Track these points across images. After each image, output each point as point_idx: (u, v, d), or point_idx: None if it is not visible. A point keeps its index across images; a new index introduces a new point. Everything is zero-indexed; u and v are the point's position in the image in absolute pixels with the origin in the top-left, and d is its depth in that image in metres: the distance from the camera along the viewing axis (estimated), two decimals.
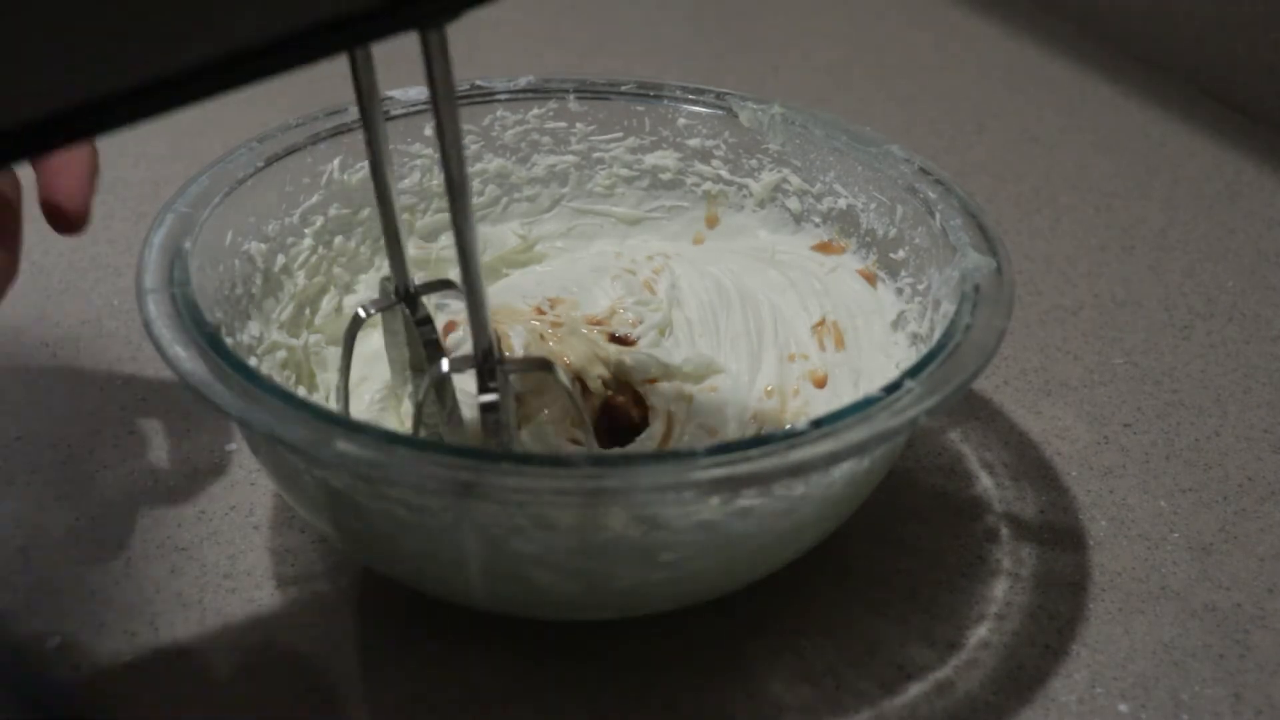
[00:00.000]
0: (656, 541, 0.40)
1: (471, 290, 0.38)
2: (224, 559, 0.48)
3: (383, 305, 0.45)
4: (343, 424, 0.38)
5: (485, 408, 0.40)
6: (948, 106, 0.82)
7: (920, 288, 0.50)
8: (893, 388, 0.40)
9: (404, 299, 0.44)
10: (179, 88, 0.30)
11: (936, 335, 0.44)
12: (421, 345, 0.44)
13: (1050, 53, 0.88)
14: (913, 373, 0.40)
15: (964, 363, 0.41)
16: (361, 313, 0.45)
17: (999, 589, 0.47)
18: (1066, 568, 0.48)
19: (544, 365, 0.43)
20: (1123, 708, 0.43)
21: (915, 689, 0.44)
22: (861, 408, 0.39)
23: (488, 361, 0.40)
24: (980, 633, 0.46)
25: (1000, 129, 0.79)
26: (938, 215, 0.49)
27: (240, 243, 0.49)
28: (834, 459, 0.38)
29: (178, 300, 0.42)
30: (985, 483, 0.52)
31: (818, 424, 0.38)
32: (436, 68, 0.35)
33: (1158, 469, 0.53)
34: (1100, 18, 0.89)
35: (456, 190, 0.37)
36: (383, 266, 0.55)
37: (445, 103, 0.36)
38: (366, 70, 0.38)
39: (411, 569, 0.44)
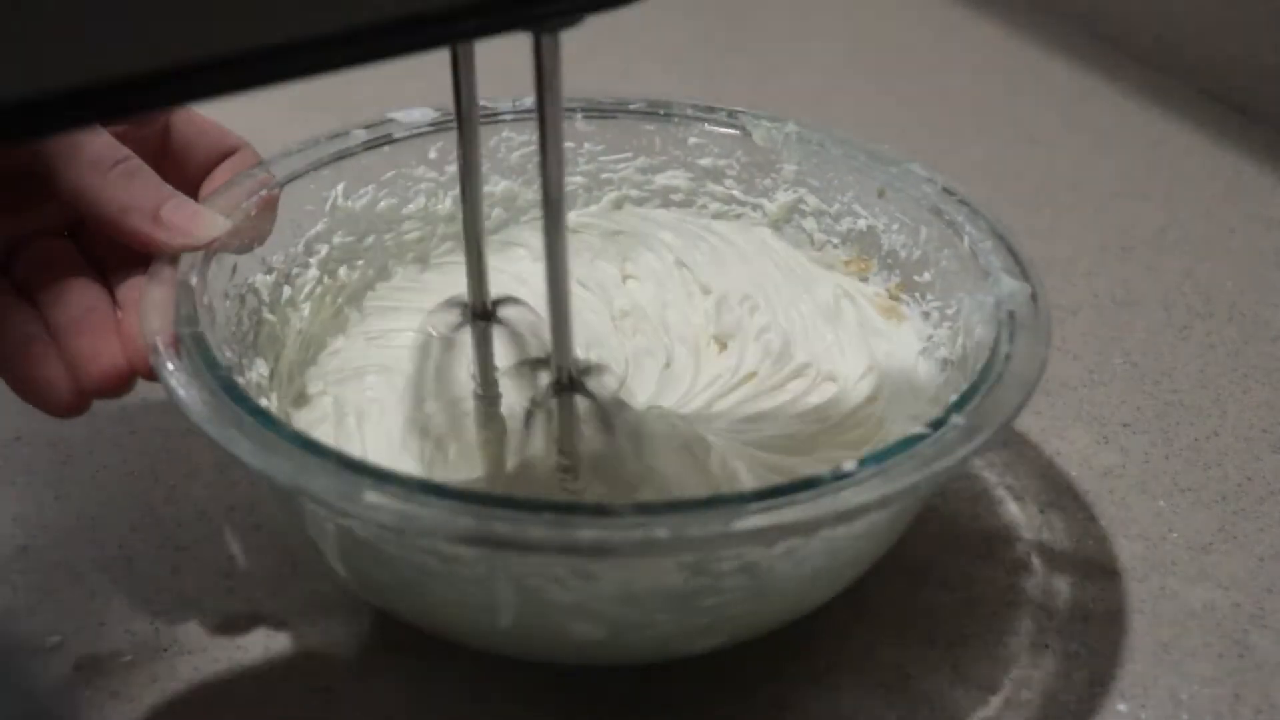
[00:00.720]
0: (698, 587, 0.38)
1: (556, 306, 0.38)
2: (224, 559, 0.48)
3: (456, 326, 0.44)
4: (371, 473, 0.36)
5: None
6: (948, 107, 0.82)
7: (949, 312, 0.49)
8: (939, 423, 0.39)
9: (481, 316, 0.43)
10: (275, 62, 0.29)
11: (973, 363, 0.43)
12: (491, 368, 0.43)
13: (1050, 53, 0.88)
14: (957, 407, 0.39)
15: (1007, 394, 0.40)
16: (432, 331, 0.44)
17: (996, 589, 0.47)
18: (1065, 568, 0.48)
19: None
20: (1122, 707, 0.43)
21: (914, 688, 0.44)
22: (909, 445, 0.38)
23: (564, 382, 0.39)
24: (978, 632, 0.46)
25: (1000, 129, 0.79)
26: (966, 238, 0.48)
27: (246, 275, 0.47)
28: (885, 502, 0.37)
29: (185, 341, 0.40)
30: (983, 483, 0.52)
31: (865, 463, 0.37)
32: (547, 74, 0.34)
33: (1156, 469, 0.53)
34: (1100, 18, 0.89)
35: (553, 205, 0.36)
36: (379, 288, 0.54)
37: (552, 111, 0.35)
38: (467, 70, 0.37)
39: (437, 618, 0.42)
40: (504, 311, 0.43)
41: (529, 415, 0.42)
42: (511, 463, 0.44)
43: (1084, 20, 0.90)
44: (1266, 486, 0.52)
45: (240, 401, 0.38)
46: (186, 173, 0.48)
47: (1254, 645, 0.46)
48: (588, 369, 0.41)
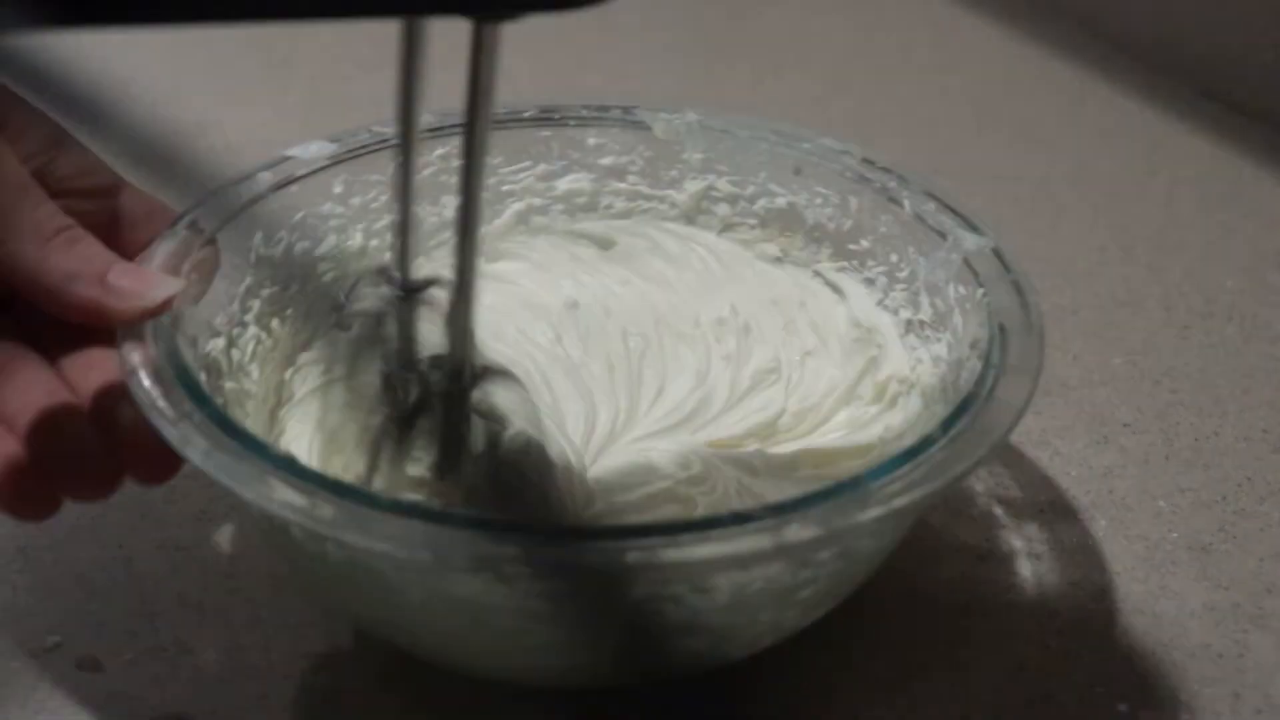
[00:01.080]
0: (801, 579, 0.38)
1: (462, 293, 0.37)
2: (224, 559, 0.48)
3: (375, 305, 0.41)
4: (384, 505, 0.35)
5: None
6: (948, 106, 0.82)
7: (901, 275, 0.50)
8: (951, 420, 0.39)
9: (404, 291, 0.41)
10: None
11: (952, 327, 0.45)
12: (409, 348, 0.41)
13: (1050, 53, 0.88)
14: (963, 407, 0.39)
15: (1015, 389, 0.40)
16: (343, 298, 0.43)
17: (996, 589, 0.47)
18: (1065, 567, 0.48)
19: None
20: (1122, 707, 0.43)
21: (914, 689, 0.44)
22: (925, 448, 0.38)
23: (461, 380, 0.38)
24: (978, 631, 0.46)
25: (1000, 129, 0.79)
26: (906, 202, 0.49)
27: (204, 345, 0.45)
28: (914, 509, 0.37)
29: (164, 375, 0.39)
30: (984, 483, 0.52)
31: (896, 463, 0.37)
32: (483, 66, 0.34)
33: (1157, 469, 0.53)
34: (1100, 18, 0.89)
35: (470, 197, 0.36)
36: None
37: (483, 102, 0.35)
38: (417, 49, 0.36)
39: (436, 649, 0.42)
40: (434, 291, 0.41)
41: (416, 409, 0.40)
42: (387, 463, 0.42)
43: (1084, 20, 0.90)
44: (1266, 486, 0.52)
45: (232, 434, 0.38)
46: (133, 252, 0.44)
47: (1254, 645, 0.46)
48: (487, 371, 0.40)
